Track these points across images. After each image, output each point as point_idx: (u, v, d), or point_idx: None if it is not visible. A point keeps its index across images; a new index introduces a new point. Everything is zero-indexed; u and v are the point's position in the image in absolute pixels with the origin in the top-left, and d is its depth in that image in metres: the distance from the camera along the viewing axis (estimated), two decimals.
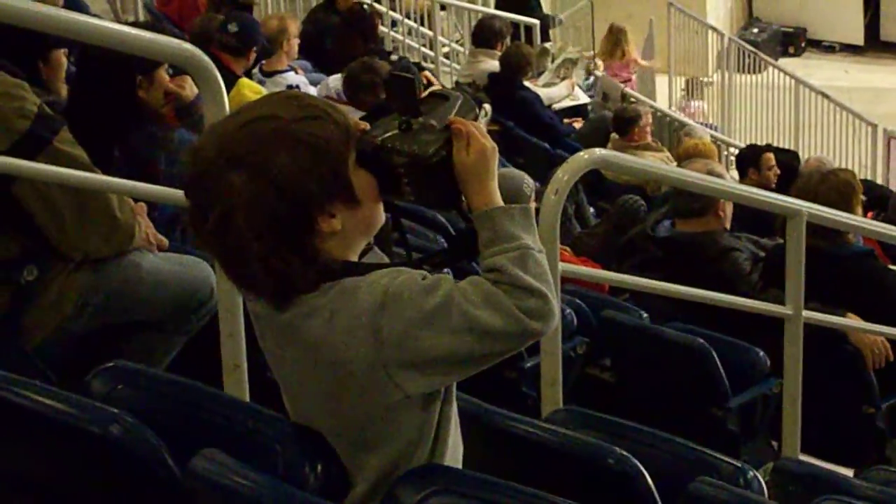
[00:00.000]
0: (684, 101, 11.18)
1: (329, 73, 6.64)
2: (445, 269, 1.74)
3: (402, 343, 1.60)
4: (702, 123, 9.89)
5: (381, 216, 1.70)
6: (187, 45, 2.47)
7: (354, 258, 1.69)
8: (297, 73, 6.34)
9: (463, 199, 1.67)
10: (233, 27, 5.41)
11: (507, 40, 8.53)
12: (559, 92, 8.71)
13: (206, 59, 2.43)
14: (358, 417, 1.67)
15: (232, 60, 5.33)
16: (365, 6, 7.90)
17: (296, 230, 1.60)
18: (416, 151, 1.62)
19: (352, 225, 1.65)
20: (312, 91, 6.11)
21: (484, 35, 8.47)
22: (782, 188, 6.09)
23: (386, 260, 1.75)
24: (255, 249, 1.59)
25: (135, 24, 3.91)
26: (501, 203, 1.65)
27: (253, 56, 5.55)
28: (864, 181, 6.92)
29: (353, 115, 5.45)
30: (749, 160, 7.21)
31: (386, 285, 1.61)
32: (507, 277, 1.61)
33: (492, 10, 9.80)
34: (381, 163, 1.64)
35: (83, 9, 5.16)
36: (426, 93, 1.73)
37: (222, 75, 2.45)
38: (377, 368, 1.61)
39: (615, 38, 10.08)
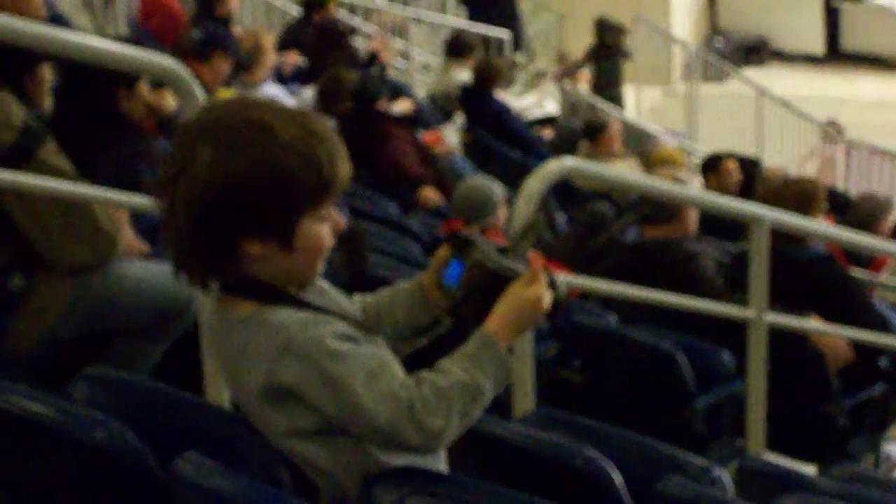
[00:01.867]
0: (823, 146, 10.32)
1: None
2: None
3: (288, 391, 1.59)
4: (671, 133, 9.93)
5: (310, 276, 1.66)
6: (167, 59, 2.49)
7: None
8: (274, 84, 6.37)
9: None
10: (196, 33, 5.41)
11: (479, 52, 8.61)
12: (529, 102, 8.80)
13: (185, 72, 2.45)
14: (276, 439, 1.65)
15: (200, 67, 5.25)
16: (337, 20, 7.93)
17: (218, 232, 1.58)
18: (492, 257, 1.70)
19: (276, 264, 1.62)
20: (290, 102, 6.15)
21: (456, 47, 8.53)
22: (744, 195, 6.16)
23: (333, 305, 1.71)
24: (183, 219, 1.58)
25: (116, 39, 3.93)
26: (505, 344, 1.64)
27: (222, 64, 5.44)
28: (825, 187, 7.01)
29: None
30: (710, 167, 7.30)
31: (292, 335, 1.57)
32: (445, 388, 1.58)
33: (464, 23, 9.86)
34: (460, 251, 1.73)
35: (66, 23, 5.14)
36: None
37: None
38: (263, 401, 1.62)
39: (563, 60, 10.41)
